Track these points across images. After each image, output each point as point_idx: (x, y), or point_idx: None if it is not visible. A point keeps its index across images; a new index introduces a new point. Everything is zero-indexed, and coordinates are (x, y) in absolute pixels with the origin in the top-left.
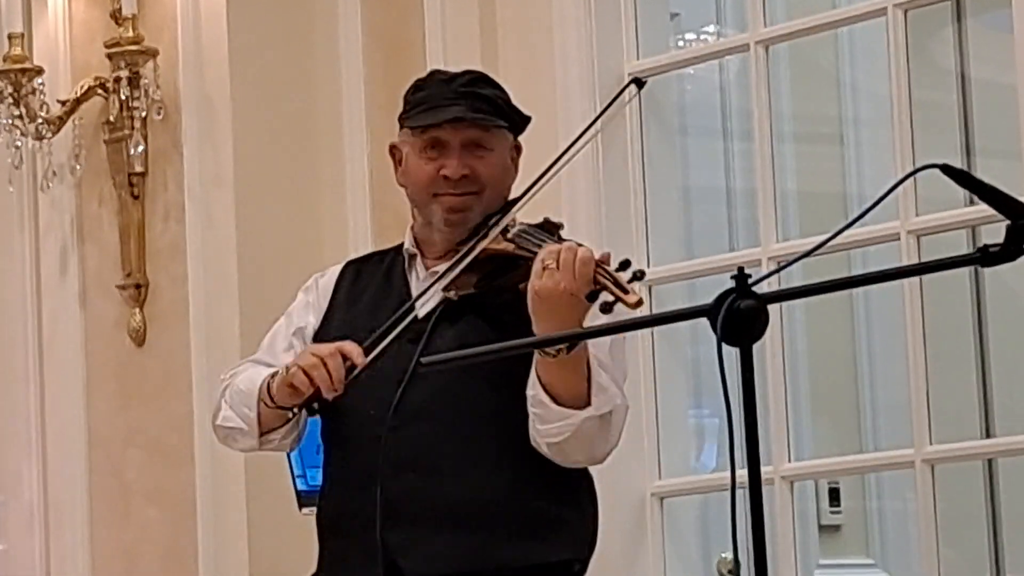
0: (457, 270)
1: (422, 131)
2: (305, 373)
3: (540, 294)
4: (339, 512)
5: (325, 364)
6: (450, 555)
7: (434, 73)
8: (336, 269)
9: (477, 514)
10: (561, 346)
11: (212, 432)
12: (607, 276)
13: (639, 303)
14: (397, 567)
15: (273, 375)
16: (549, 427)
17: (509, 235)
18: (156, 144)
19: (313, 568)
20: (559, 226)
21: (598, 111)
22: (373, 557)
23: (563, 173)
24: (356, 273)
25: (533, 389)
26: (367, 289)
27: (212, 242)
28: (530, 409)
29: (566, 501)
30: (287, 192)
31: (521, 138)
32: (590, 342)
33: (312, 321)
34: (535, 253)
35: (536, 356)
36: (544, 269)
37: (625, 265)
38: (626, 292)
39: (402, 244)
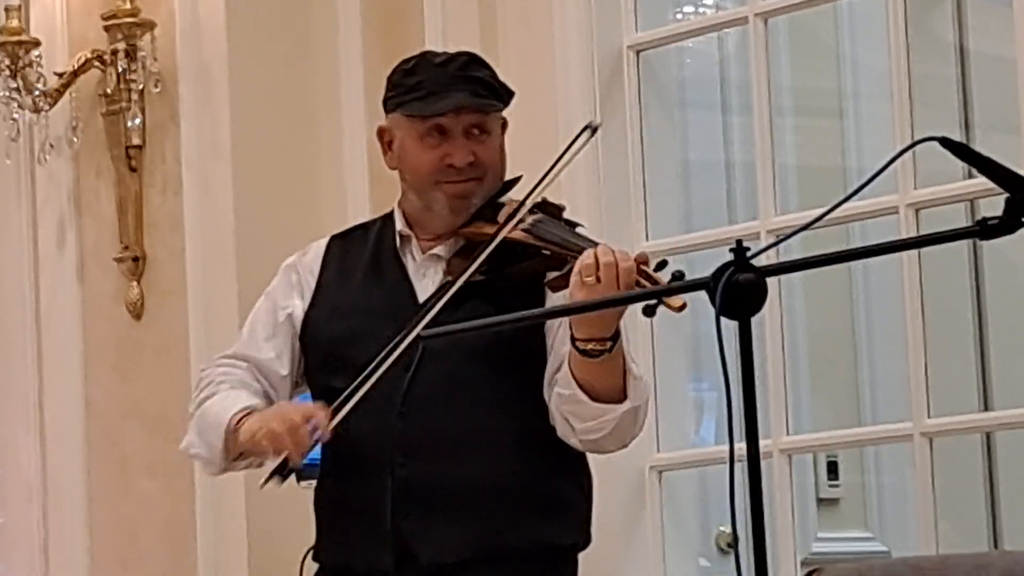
0: (482, 258)
1: (423, 118)
2: (274, 439)
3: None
4: (345, 498)
5: (291, 433)
6: (464, 540)
7: (424, 56)
8: (319, 245)
9: (489, 499)
10: (605, 347)
11: None
12: (649, 280)
13: (683, 306)
14: (410, 554)
15: (243, 414)
16: (588, 424)
17: (524, 225)
18: (154, 117)
19: (311, 542)
20: (561, 208)
21: (597, 87)
22: (385, 544)
23: (561, 146)
24: (343, 250)
25: (568, 388)
26: (357, 267)
27: (210, 214)
28: (562, 408)
29: (572, 483)
30: (285, 164)
31: (522, 115)
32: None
33: (299, 304)
34: (558, 248)
35: (573, 357)
36: (583, 283)
37: (662, 266)
38: (669, 295)
39: (386, 218)
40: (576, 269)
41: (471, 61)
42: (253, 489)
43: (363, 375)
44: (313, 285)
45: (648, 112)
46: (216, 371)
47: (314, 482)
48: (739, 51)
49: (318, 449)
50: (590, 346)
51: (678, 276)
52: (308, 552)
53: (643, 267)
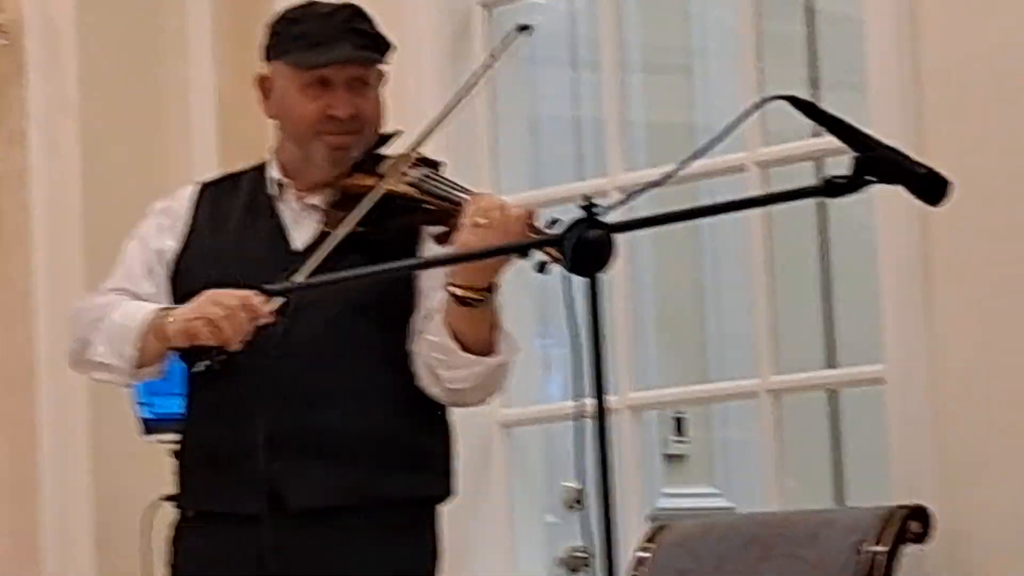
0: (365, 210)
1: (307, 68)
2: (212, 324)
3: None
4: (214, 442)
5: (231, 318)
6: (333, 486)
7: (310, 5)
8: (187, 192)
9: (360, 446)
10: (480, 296)
11: (55, 359)
12: (537, 234)
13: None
14: (279, 497)
15: (164, 313)
16: (455, 373)
17: (408, 178)
18: (0, 70)
19: (159, 493)
20: (439, 164)
21: (445, 43)
22: (255, 487)
23: (412, 103)
24: (215, 196)
25: (439, 336)
26: (231, 214)
27: (57, 169)
28: (432, 355)
29: (436, 435)
30: (133, 119)
31: None
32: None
33: (172, 245)
34: (443, 200)
35: (447, 305)
36: (475, 226)
37: (554, 223)
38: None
39: (258, 169)
40: (468, 213)
41: (356, 14)
42: (98, 441)
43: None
44: (185, 230)
45: (497, 68)
46: (103, 298)
47: (163, 435)
48: (589, 7)
49: (168, 404)
50: (467, 294)
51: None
52: (157, 502)
53: (533, 222)
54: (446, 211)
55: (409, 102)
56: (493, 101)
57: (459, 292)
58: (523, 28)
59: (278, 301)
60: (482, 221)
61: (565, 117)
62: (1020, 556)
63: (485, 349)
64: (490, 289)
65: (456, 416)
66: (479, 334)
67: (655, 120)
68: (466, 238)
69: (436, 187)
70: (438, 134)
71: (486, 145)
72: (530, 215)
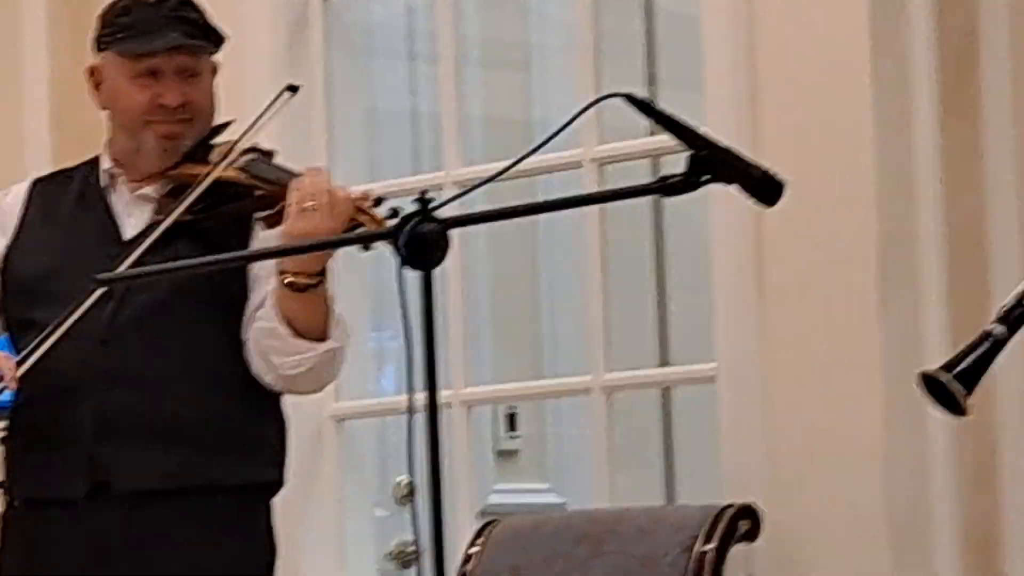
0: (194, 196)
1: (135, 57)
2: None
3: (299, 236)
4: (44, 426)
5: None
6: (159, 470)
7: None
8: (21, 187)
9: (187, 431)
10: (311, 281)
11: None
12: (364, 213)
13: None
14: (104, 481)
15: None
16: (286, 359)
17: (238, 164)
18: None
19: None
20: (271, 153)
21: (281, 34)
22: (79, 470)
23: (250, 93)
24: (46, 191)
25: (270, 322)
26: (62, 207)
27: None
28: (264, 341)
29: (268, 423)
30: None
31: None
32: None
33: (2, 241)
34: (271, 185)
35: (277, 290)
36: (302, 210)
37: (379, 202)
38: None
39: (92, 162)
40: (295, 198)
41: (184, 3)
42: None
43: (55, 323)
44: (15, 224)
45: (334, 59)
46: None
47: None
48: (427, 0)
49: (8, 393)
50: (297, 279)
51: (395, 213)
52: None
53: (359, 203)
54: (275, 194)
55: (247, 93)
56: (329, 93)
57: (290, 278)
58: (292, 89)
59: (24, 367)
60: (308, 205)
61: (402, 110)
62: (847, 555)
63: (318, 335)
64: (321, 274)
65: (288, 408)
66: (311, 320)
67: (493, 115)
68: (293, 223)
69: (264, 171)
70: (270, 125)
71: (322, 137)
72: (357, 196)
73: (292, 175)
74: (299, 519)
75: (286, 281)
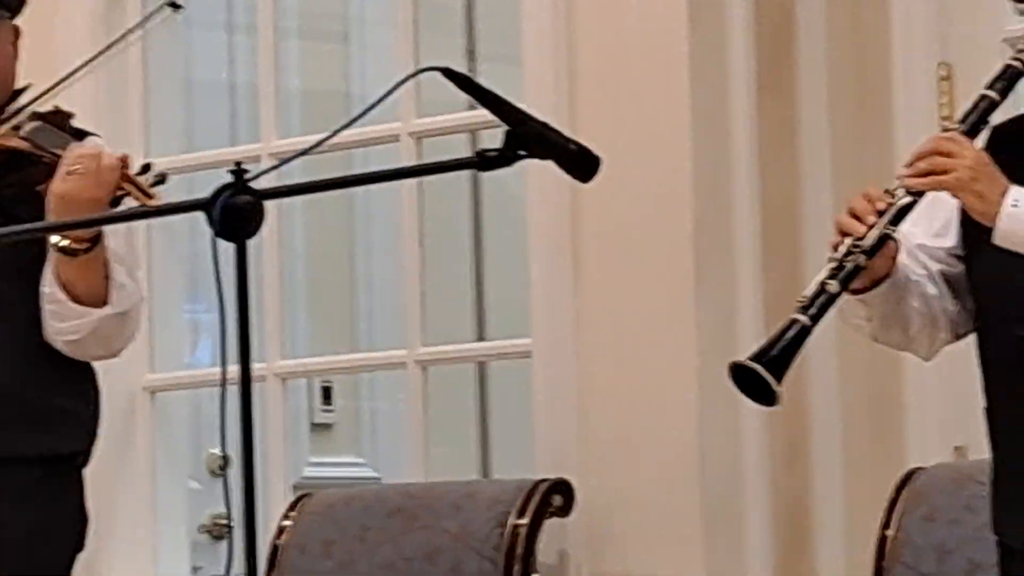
0: None
1: None
2: None
3: (64, 198)
4: None
5: None
6: None
7: None
8: None
9: None
10: (82, 246)
11: None
12: (130, 181)
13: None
14: None
15: None
16: (66, 325)
17: (23, 132)
18: None
19: None
20: (71, 115)
21: (98, 3)
22: None
23: (62, 60)
24: None
25: (50, 287)
26: None
27: None
28: (46, 306)
29: (75, 393)
30: None
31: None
32: (107, 233)
33: None
34: (55, 154)
35: (52, 255)
36: (69, 174)
37: (146, 169)
38: (149, 197)
39: None
40: (64, 162)
41: None
42: None
43: None
44: None
45: (151, 30)
46: None
47: None
48: None
49: None
50: (69, 244)
51: (160, 180)
52: None
53: (125, 169)
54: (55, 163)
55: (61, 60)
56: (146, 62)
57: (62, 242)
58: (173, 5)
59: None
60: (73, 168)
61: (219, 81)
62: (659, 530)
63: (97, 301)
64: (94, 240)
65: (100, 379)
66: (90, 286)
67: (311, 87)
68: (58, 184)
69: (48, 139)
70: (71, 90)
71: (138, 107)
72: (123, 162)
73: (76, 140)
74: (112, 490)
75: (60, 245)
